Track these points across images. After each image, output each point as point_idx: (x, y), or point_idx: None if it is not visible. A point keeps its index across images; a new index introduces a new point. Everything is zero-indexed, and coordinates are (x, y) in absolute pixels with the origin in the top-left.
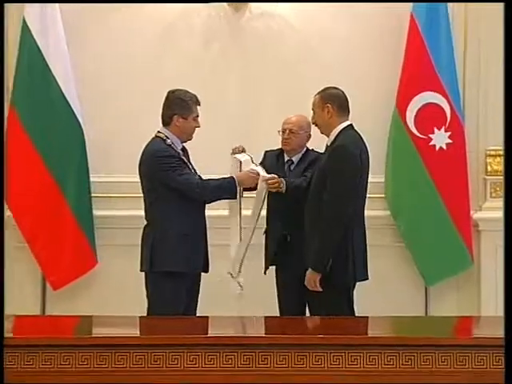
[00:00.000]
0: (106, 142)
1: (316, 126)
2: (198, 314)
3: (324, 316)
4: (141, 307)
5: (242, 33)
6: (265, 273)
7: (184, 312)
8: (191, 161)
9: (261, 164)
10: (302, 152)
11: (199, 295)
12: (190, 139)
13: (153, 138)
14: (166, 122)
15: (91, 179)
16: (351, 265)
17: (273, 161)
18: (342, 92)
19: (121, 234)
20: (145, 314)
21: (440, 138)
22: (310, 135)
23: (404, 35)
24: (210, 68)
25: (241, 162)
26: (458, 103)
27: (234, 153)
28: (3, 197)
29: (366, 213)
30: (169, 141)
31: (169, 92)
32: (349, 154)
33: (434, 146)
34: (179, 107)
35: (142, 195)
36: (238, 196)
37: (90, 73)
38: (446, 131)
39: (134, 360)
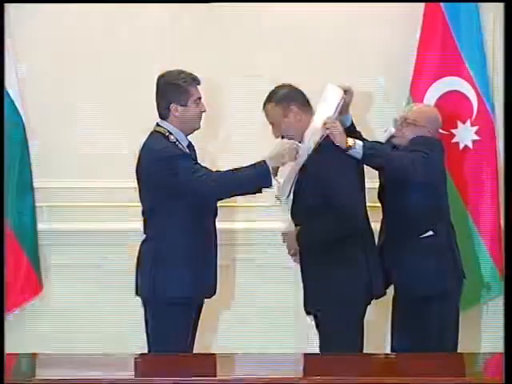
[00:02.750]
0: (53, 141)
1: (285, 137)
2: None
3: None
4: (96, 341)
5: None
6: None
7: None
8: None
9: None
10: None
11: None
12: (197, 128)
13: (152, 134)
14: (164, 114)
15: (35, 185)
16: (367, 277)
17: None
18: (290, 85)
19: (72, 253)
20: (101, 351)
21: (465, 134)
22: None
23: (420, 6)
24: (179, 45)
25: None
26: (486, 91)
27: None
28: (3, 199)
29: (372, 225)
30: (172, 137)
31: (158, 77)
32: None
33: (458, 143)
34: (174, 93)
35: (100, 204)
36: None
37: (35, 57)
38: (472, 126)
39: None
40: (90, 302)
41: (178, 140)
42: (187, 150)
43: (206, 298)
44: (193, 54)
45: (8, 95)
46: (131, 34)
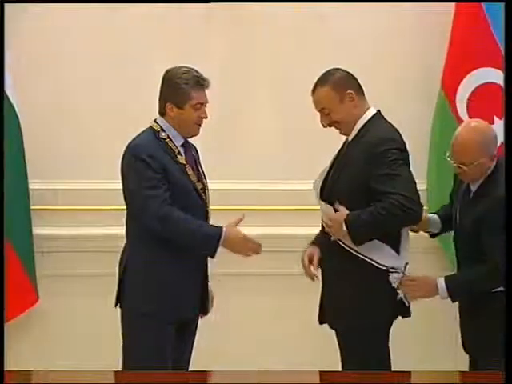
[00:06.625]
0: (50, 138)
1: (334, 125)
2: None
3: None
4: (96, 357)
5: None
6: None
7: (172, 365)
8: (201, 163)
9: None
10: (484, 177)
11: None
12: (194, 135)
13: (145, 129)
14: (161, 111)
15: (30, 186)
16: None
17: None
18: (343, 70)
19: (71, 261)
20: (105, 367)
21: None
22: (493, 156)
23: None
24: (186, 32)
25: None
26: None
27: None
28: (3, 199)
29: None
30: (164, 134)
31: (165, 71)
32: (403, 150)
33: None
34: (171, 93)
35: (101, 207)
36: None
37: (35, 53)
38: None
39: None
40: (87, 315)
41: (170, 137)
42: (180, 150)
43: (193, 314)
44: (194, 54)
45: (6, 95)
46: (131, 34)
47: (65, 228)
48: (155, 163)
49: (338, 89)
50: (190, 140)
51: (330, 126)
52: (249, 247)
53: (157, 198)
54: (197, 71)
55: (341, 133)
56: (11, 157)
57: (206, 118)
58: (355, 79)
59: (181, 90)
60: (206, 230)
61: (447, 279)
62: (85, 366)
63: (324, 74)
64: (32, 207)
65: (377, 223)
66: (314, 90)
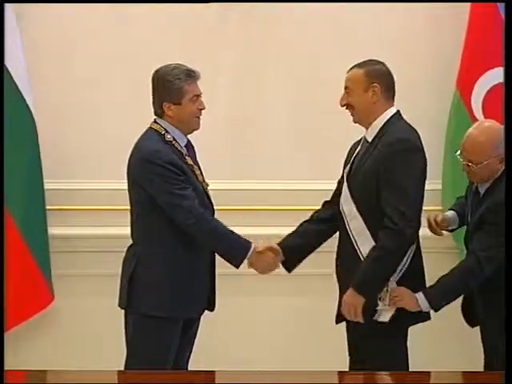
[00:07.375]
0: (65, 138)
1: (349, 108)
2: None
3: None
4: (109, 358)
5: None
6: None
7: (174, 364)
8: (198, 160)
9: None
10: (493, 180)
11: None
12: (196, 128)
13: (147, 131)
14: (158, 112)
15: (46, 186)
16: None
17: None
18: (387, 68)
19: (86, 260)
20: (118, 367)
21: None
22: (502, 159)
23: None
24: (201, 33)
25: None
26: None
27: None
28: (3, 198)
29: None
30: (169, 136)
31: (153, 73)
32: (417, 151)
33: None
34: (166, 91)
35: (115, 207)
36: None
37: (47, 54)
38: None
39: None
40: (102, 315)
41: (174, 139)
42: (185, 150)
43: (208, 310)
44: (205, 54)
45: (20, 94)
46: (137, 35)
47: (78, 228)
48: (175, 167)
49: (368, 77)
50: (191, 141)
51: (347, 108)
52: (270, 266)
53: (189, 198)
54: (185, 65)
55: (354, 120)
56: (27, 157)
57: (204, 108)
58: (391, 80)
59: (175, 86)
60: (238, 237)
61: (425, 292)
62: (96, 365)
63: (368, 59)
64: (50, 207)
65: (388, 261)
66: (350, 69)
